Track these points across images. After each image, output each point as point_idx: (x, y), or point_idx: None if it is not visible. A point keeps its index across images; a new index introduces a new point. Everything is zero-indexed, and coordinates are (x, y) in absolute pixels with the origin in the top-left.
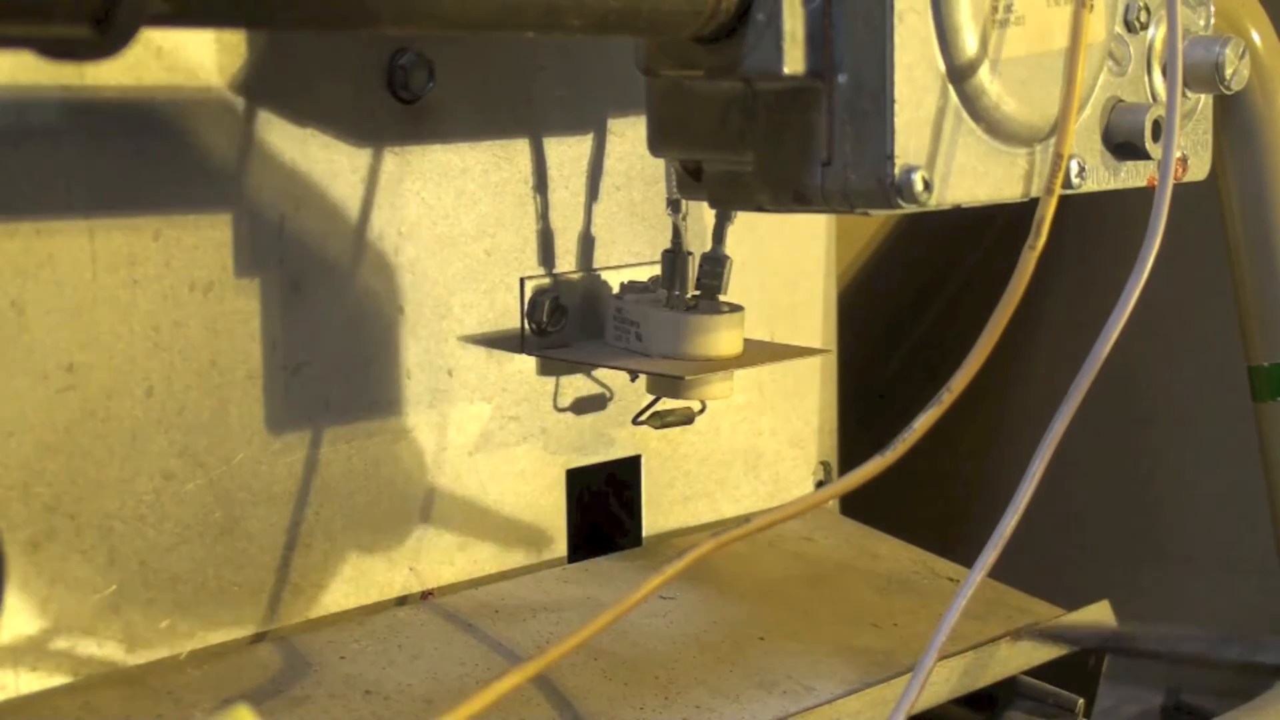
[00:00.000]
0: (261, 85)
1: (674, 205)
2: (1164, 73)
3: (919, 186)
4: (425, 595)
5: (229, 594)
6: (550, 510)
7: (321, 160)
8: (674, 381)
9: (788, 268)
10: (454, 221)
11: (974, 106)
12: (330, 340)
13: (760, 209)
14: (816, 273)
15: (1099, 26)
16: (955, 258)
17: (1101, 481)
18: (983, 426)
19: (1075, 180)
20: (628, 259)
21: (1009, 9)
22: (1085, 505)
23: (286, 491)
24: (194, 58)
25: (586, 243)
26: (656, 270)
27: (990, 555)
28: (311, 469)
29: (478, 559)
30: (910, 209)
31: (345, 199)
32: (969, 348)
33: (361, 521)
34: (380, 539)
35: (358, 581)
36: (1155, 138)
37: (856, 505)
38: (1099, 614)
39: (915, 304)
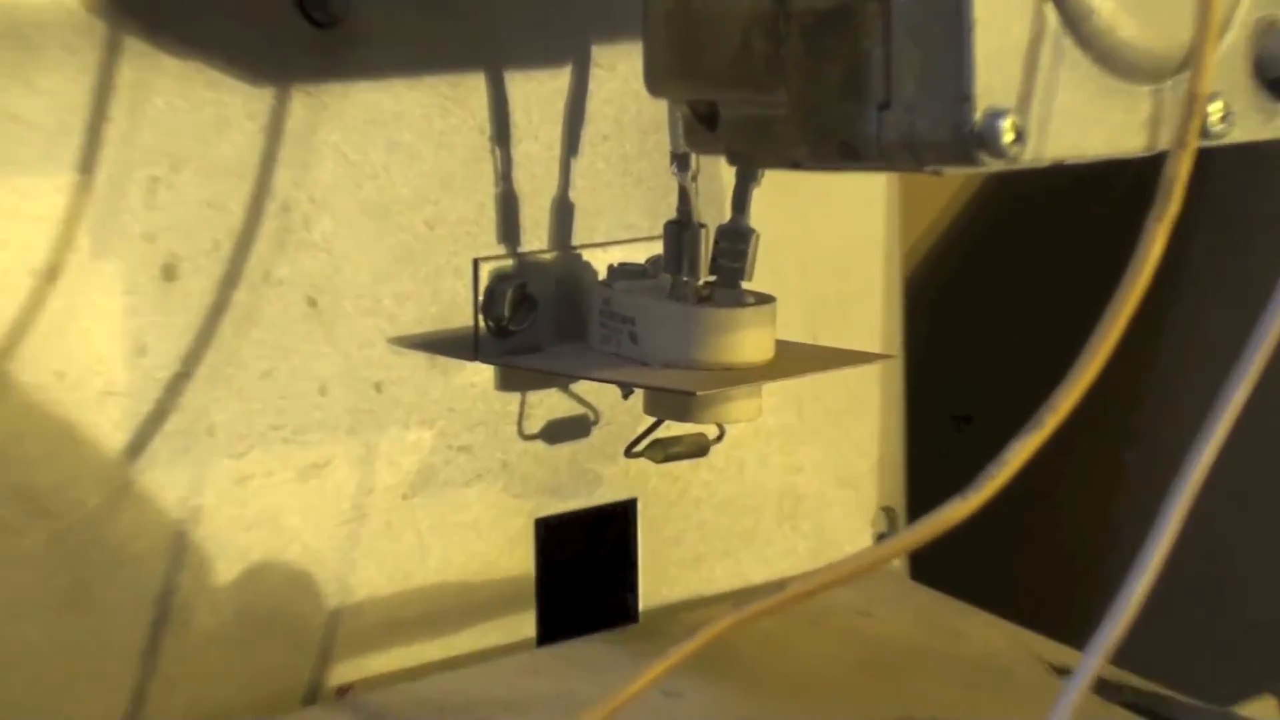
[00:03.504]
0: (129, 3)
1: (680, 162)
2: None
3: (1008, 136)
4: (342, 691)
5: (78, 688)
6: (513, 574)
7: (208, 103)
8: (682, 399)
9: (835, 246)
10: (384, 184)
11: (1080, 30)
12: (216, 344)
13: (796, 166)
14: (874, 253)
15: None
16: (1059, 234)
17: (1256, 534)
18: (1098, 459)
19: (1216, 127)
20: (618, 234)
21: None
22: (1235, 566)
23: (155, 549)
24: None
25: (563, 212)
26: (657, 249)
27: (1112, 633)
28: (190, 519)
29: (415, 641)
30: (997, 166)
31: (238, 155)
32: (1077, 353)
33: (257, 589)
34: (282, 613)
35: (251, 671)
36: None
37: (931, 567)
38: (1263, 713)
39: (1006, 294)
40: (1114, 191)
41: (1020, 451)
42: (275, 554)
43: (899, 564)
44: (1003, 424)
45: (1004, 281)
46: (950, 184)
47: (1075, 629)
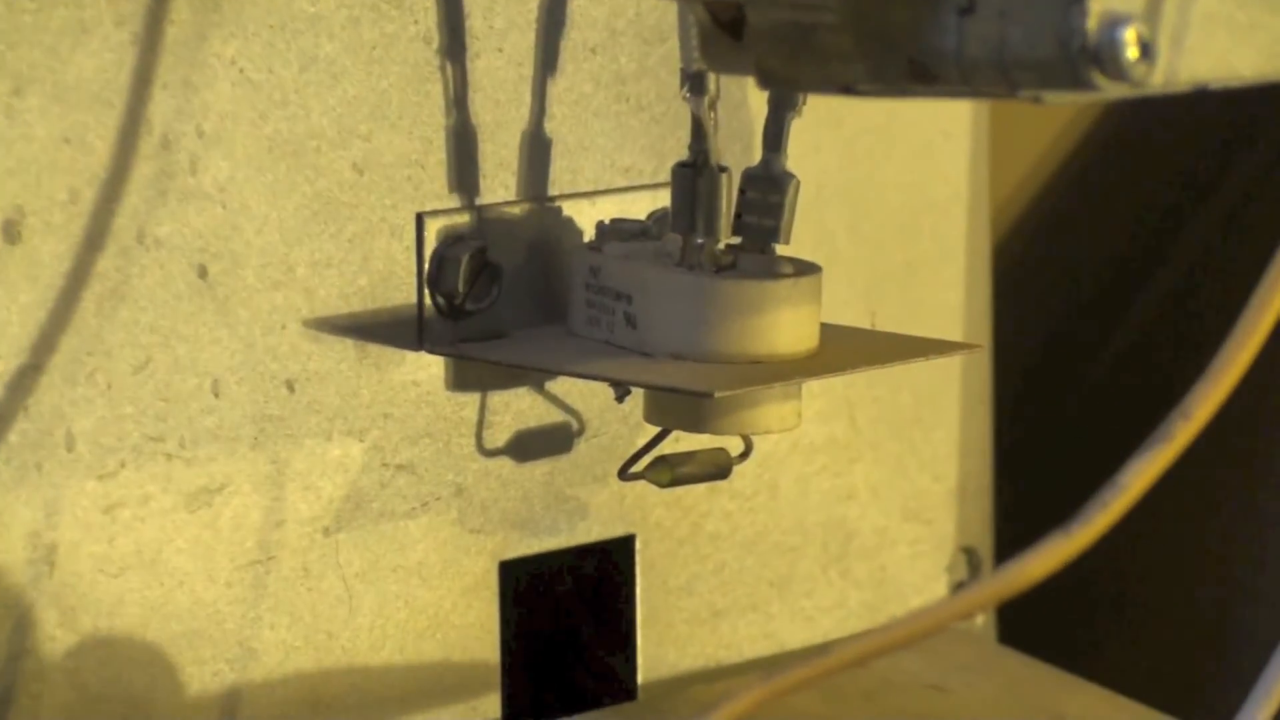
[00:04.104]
0: None
1: (694, 84)
2: None
3: (1131, 51)
4: None
5: None
6: (472, 636)
7: (61, 3)
8: (695, 403)
9: (900, 198)
10: (297, 113)
11: None
12: (74, 327)
13: (849, 91)
14: (953, 208)
15: None
16: (1196, 190)
17: None
18: (1241, 483)
19: None
20: (610, 180)
21: None
22: None
23: None
24: None
25: (536, 150)
26: (662, 200)
27: (1259, 713)
28: (41, 560)
29: None
30: (1116, 91)
31: (102, 74)
32: (1216, 347)
33: (130, 656)
34: (163, 687)
35: None
36: None
37: (1025, 625)
38: None
39: (1126, 269)
40: (1268, 139)
41: (1142, 472)
42: (154, 608)
43: (983, 621)
44: (1119, 437)
45: (1125, 252)
46: (1055, 117)
47: (1208, 706)
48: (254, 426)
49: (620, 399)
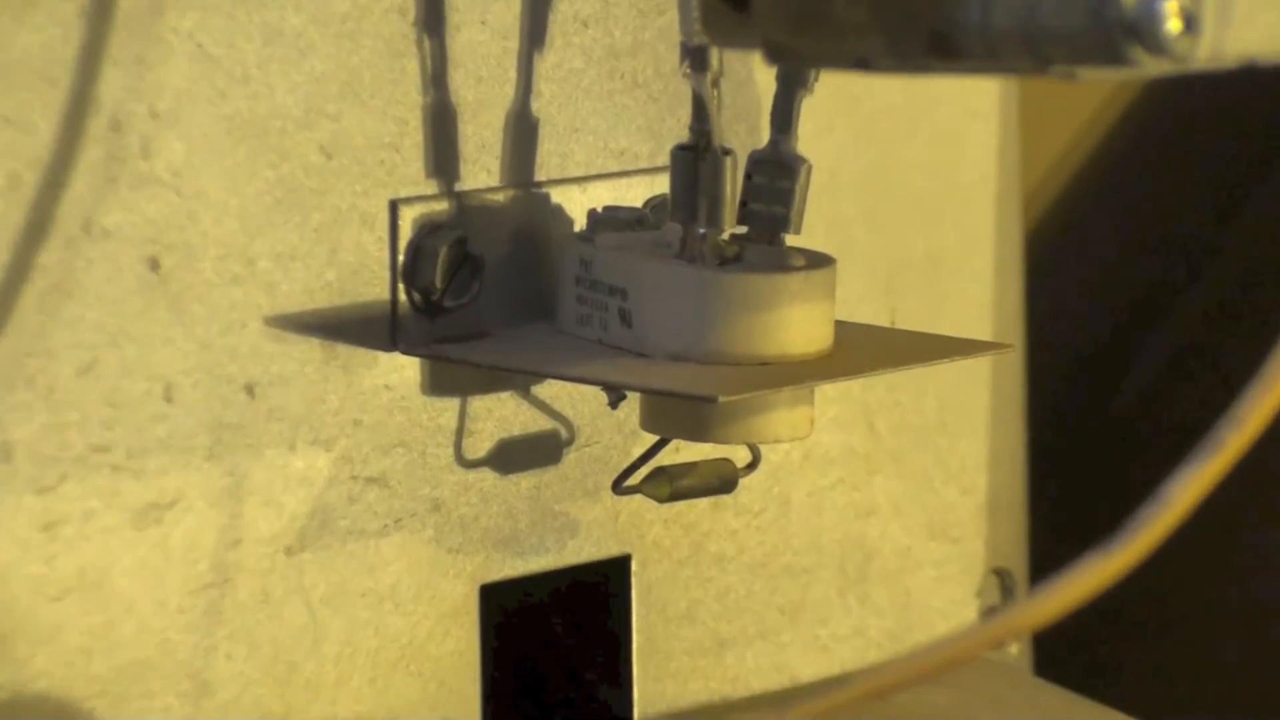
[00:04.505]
0: None
1: (695, 59)
2: None
3: (1173, 22)
4: None
5: None
6: (449, 666)
7: None
8: (696, 409)
9: (923, 184)
10: (259, 91)
11: None
12: (14, 327)
13: (864, 67)
14: (980, 195)
15: None
16: (1248, 176)
17: None
18: None
19: None
20: (603, 164)
21: None
22: None
23: None
24: None
25: (521, 132)
26: (660, 186)
27: None
28: None
29: None
30: (1157, 68)
31: (47, 49)
32: (1273, 347)
33: (72, 688)
34: (108, 716)
35: None
36: None
37: (1063, 655)
38: None
39: (1173, 261)
40: None
41: (1189, 484)
42: (98, 635)
43: (1017, 651)
44: (1165, 446)
45: (1168, 246)
46: (1091, 95)
47: None
48: (209, 435)
49: (614, 404)
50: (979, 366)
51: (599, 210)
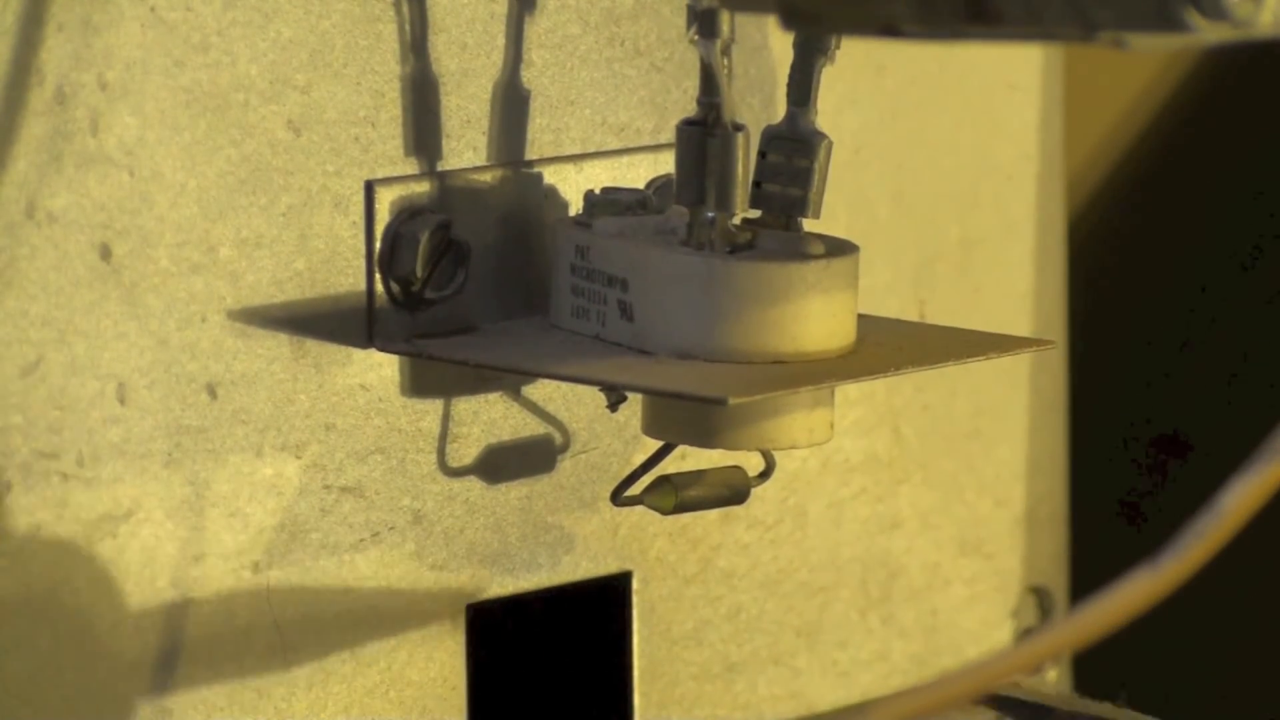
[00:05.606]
0: None
1: (704, 24)
2: None
3: None
4: None
5: None
6: (433, 693)
7: None
8: (704, 412)
9: (956, 164)
10: (220, 59)
11: None
12: None
13: (891, 33)
14: (1020, 176)
15: None
16: None
17: None
18: None
19: None
20: (601, 140)
21: None
22: None
23: None
24: None
25: (510, 105)
26: (663, 166)
27: None
28: None
29: None
30: (1217, 35)
31: None
32: None
33: (22, 713)
34: None
35: None
36: None
37: (1106, 678)
38: None
39: (1229, 250)
40: None
41: (1245, 496)
42: (48, 659)
43: (1056, 676)
44: (1220, 452)
45: (1229, 226)
46: (1143, 66)
47: None
48: (168, 440)
49: (613, 407)
50: (1017, 365)
51: (596, 192)
